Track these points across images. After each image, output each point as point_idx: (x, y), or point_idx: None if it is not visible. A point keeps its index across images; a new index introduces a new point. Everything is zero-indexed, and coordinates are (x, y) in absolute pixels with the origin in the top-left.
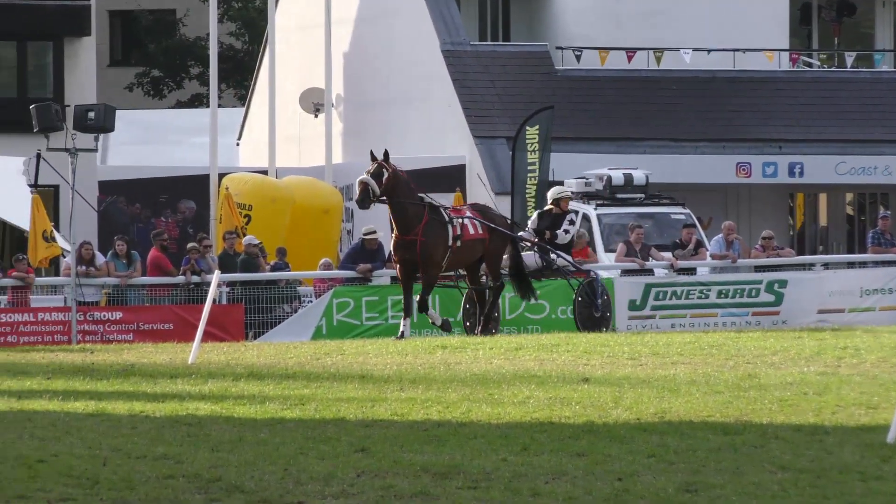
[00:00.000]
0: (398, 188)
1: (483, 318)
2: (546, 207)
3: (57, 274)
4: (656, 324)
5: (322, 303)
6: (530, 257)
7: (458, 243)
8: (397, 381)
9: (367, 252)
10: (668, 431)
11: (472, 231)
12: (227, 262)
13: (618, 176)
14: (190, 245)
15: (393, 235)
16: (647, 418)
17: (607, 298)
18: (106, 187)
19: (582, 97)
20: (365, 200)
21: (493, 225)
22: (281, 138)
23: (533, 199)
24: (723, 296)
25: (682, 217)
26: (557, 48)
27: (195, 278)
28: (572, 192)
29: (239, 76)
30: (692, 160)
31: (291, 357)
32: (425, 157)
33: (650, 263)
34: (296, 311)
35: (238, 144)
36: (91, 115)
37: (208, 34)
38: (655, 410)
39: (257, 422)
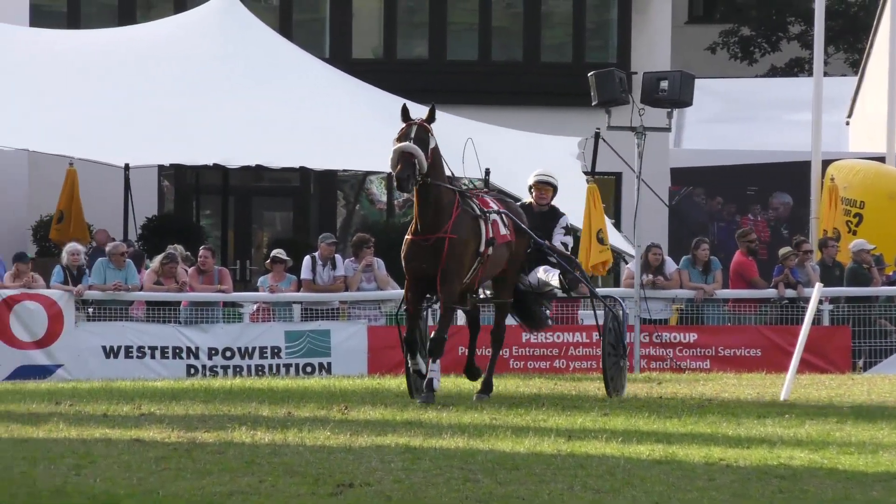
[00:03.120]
0: (437, 166)
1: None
2: (525, 200)
3: (616, 284)
4: None
5: None
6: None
7: (490, 249)
8: None
9: None
10: None
11: (503, 231)
12: (829, 273)
13: None
14: (784, 250)
15: (408, 236)
16: None
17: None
18: (680, 176)
19: None
20: (410, 180)
21: (523, 225)
22: None
23: None
24: None
25: None
26: None
27: (790, 292)
28: None
29: (851, 37)
30: None
31: None
32: None
33: None
34: None
35: (848, 123)
36: (663, 84)
37: None
38: None
39: (868, 476)
